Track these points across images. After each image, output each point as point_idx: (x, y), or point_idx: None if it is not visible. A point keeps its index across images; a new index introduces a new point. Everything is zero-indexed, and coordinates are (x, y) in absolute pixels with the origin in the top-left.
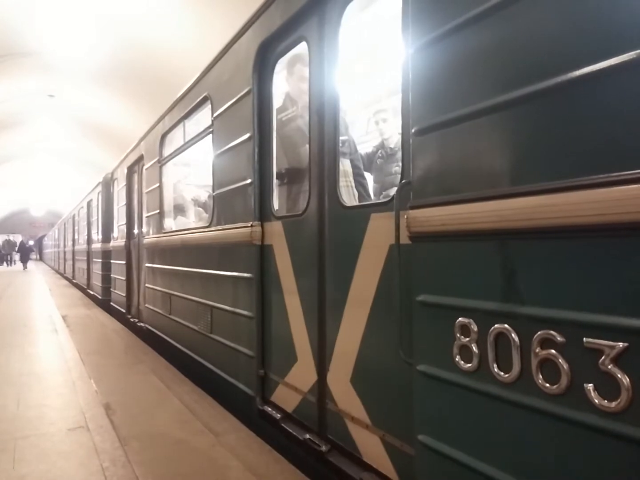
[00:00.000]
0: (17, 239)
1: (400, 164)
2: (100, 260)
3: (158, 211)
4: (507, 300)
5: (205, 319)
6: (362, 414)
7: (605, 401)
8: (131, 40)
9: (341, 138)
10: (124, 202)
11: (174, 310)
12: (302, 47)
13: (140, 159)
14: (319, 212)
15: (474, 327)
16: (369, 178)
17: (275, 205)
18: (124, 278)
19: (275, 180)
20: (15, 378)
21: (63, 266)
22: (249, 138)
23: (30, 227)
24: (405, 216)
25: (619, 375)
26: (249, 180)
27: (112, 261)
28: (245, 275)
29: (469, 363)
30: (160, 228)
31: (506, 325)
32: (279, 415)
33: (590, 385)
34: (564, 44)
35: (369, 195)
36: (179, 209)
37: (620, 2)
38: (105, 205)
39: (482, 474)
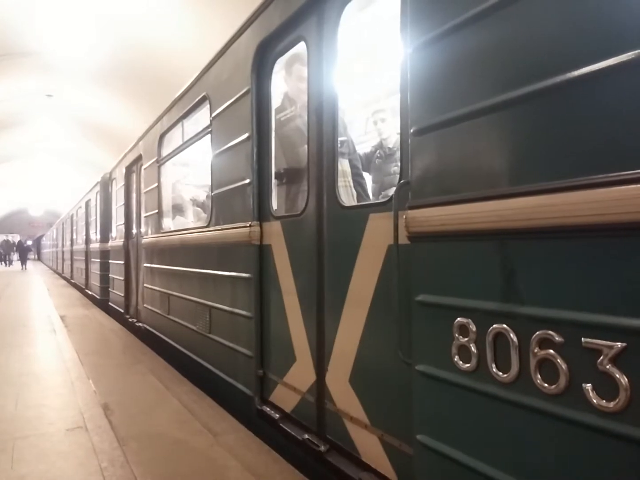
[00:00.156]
0: (15, 238)
1: (399, 164)
2: (99, 260)
3: (156, 211)
4: (506, 301)
5: (203, 319)
6: (361, 413)
7: (604, 401)
8: (131, 40)
9: (340, 139)
10: (123, 202)
11: (173, 310)
12: (300, 47)
13: (139, 158)
14: (318, 212)
15: (473, 327)
16: (368, 178)
17: (274, 205)
18: (122, 278)
19: (273, 180)
20: (14, 378)
21: (61, 266)
22: (248, 138)
23: (28, 227)
24: (404, 216)
25: (617, 375)
26: (247, 180)
27: (110, 261)
28: (244, 275)
29: (468, 363)
30: (158, 228)
31: (505, 326)
32: (277, 415)
33: (589, 385)
34: (562, 43)
35: (367, 196)
36: (178, 209)
37: (620, 1)
38: (104, 205)
39: (481, 474)
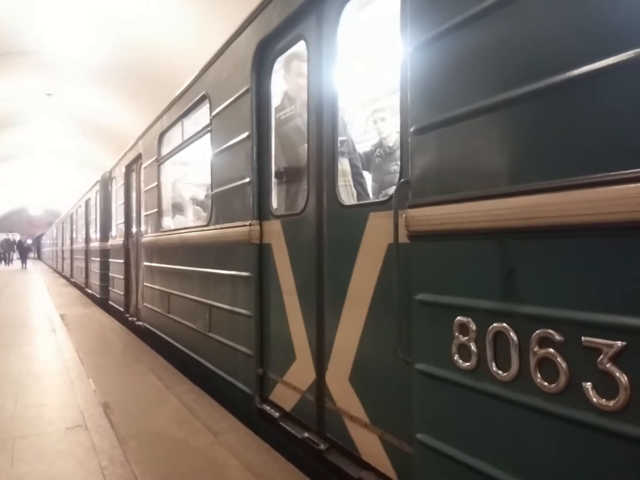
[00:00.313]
0: (16, 237)
1: (399, 162)
2: (99, 259)
3: (156, 210)
4: (506, 299)
5: (203, 318)
6: (361, 412)
7: (604, 400)
8: (131, 40)
9: (340, 138)
10: (122, 201)
11: (173, 309)
12: (300, 46)
13: (139, 157)
14: (318, 211)
15: (473, 326)
16: (368, 177)
17: (274, 204)
18: (122, 277)
19: (273, 179)
20: (14, 377)
21: (61, 265)
22: (248, 137)
23: (28, 226)
24: (404, 215)
25: (617, 374)
26: (247, 179)
27: (110, 260)
28: (244, 274)
29: (468, 362)
30: (158, 227)
31: (505, 324)
32: (277, 414)
33: (589, 384)
34: (562, 43)
35: (367, 195)
36: (178, 208)
37: (619, 1)
38: (104, 204)
39: (481, 473)
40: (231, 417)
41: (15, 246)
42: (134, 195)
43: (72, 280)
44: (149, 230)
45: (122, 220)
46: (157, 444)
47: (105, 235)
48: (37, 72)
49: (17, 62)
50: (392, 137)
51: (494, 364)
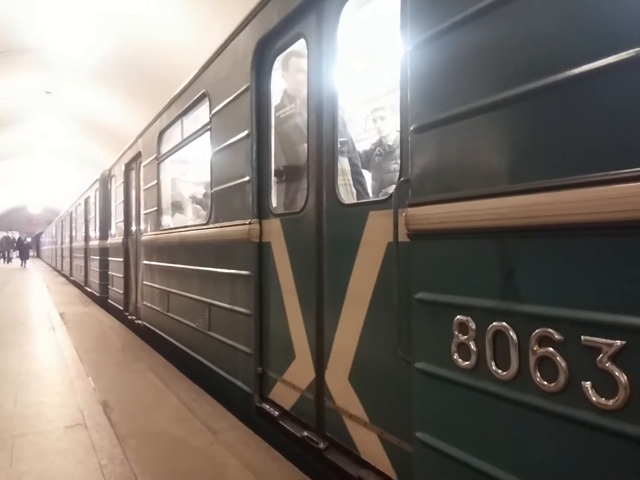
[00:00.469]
0: (15, 235)
1: (399, 161)
2: (98, 257)
3: (156, 208)
4: (505, 298)
5: (203, 317)
6: (360, 411)
7: (603, 399)
8: (131, 39)
9: (340, 139)
10: (122, 200)
11: (172, 307)
12: (300, 44)
13: (138, 156)
14: (317, 209)
15: (472, 325)
16: (367, 176)
17: (274, 202)
18: (121, 275)
19: (273, 178)
20: (13, 376)
21: (60, 263)
22: (247, 135)
23: (27, 225)
24: (404, 214)
25: (616, 373)
26: (247, 178)
27: (109, 258)
28: (243, 272)
29: (467, 361)
30: (158, 225)
31: (504, 323)
32: (277, 413)
33: (588, 383)
34: (561, 41)
35: (367, 193)
36: (177, 206)
37: (618, 0)
38: (103, 202)
39: (480, 472)
40: (230, 415)
41: (15, 244)
42: (133, 193)
43: (72, 278)
44: (149, 229)
45: (122, 218)
46: (156, 443)
47: (104, 233)
48: (37, 70)
49: (17, 60)
50: (392, 135)
51: (493, 363)
